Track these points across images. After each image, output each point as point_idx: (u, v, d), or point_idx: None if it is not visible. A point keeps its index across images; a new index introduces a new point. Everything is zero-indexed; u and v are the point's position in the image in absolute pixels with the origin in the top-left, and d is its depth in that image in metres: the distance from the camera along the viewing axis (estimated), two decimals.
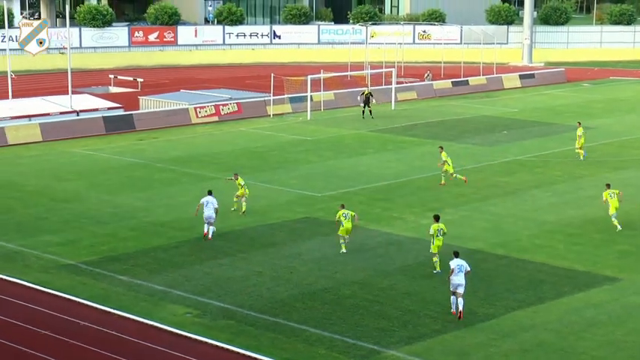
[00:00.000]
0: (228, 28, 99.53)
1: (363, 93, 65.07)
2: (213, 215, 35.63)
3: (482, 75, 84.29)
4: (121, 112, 62.11)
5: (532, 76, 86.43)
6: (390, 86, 72.23)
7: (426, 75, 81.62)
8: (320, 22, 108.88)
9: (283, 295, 30.19)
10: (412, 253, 34.73)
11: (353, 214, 34.64)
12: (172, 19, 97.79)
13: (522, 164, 50.58)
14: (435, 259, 32.41)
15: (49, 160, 50.92)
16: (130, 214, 39.61)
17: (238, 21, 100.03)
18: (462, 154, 51.39)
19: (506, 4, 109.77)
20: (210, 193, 36.51)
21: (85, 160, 50.95)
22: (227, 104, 65.34)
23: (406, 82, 79.98)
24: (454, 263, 28.79)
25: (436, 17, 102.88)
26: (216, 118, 63.95)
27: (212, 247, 34.87)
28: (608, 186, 38.74)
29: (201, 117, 63.46)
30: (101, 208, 40.58)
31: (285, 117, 65.64)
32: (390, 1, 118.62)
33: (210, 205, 35.62)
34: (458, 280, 28.50)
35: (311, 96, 66.46)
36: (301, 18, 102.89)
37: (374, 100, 64.87)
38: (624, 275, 32.28)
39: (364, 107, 64.33)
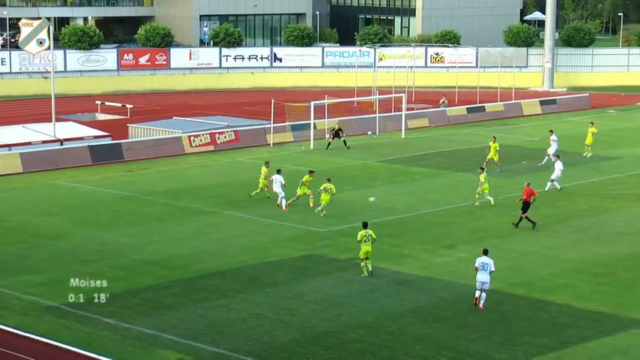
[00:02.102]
0: (225, 51, 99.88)
1: (333, 129, 65.05)
2: (281, 191, 46.34)
3: (500, 101, 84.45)
4: (108, 142, 62.28)
5: (554, 102, 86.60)
6: (400, 113, 72.39)
7: (441, 101, 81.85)
8: (324, 44, 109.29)
9: (283, 339, 30.13)
10: (424, 293, 34.68)
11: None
12: (165, 41, 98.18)
13: (543, 197, 50.51)
14: (363, 264, 35.86)
15: (31, 193, 50.99)
16: (117, 251, 39.61)
17: (236, 42, 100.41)
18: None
19: (526, 25, 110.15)
20: (278, 171, 47.08)
21: (70, 193, 51.02)
22: (223, 132, 65.48)
23: (417, 109, 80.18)
24: (478, 261, 32.85)
25: (450, 38, 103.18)
26: (211, 148, 64.08)
27: (207, 288, 34.85)
28: None
29: (196, 146, 63.60)
30: (87, 245, 40.60)
31: (287, 146, 65.73)
32: (400, 22, 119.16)
33: (278, 182, 46.41)
34: (482, 277, 32.62)
35: (314, 123, 66.61)
36: (304, 39, 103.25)
37: (344, 135, 64.75)
38: None
39: (332, 139, 64.24)
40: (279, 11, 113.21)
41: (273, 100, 67.58)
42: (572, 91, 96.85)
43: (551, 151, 58.39)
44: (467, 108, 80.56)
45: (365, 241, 36.12)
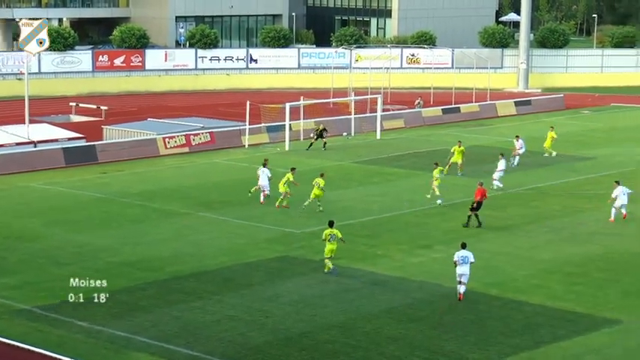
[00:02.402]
0: (200, 52, 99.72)
1: (317, 129, 65.23)
2: (267, 184, 47.69)
3: (475, 102, 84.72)
4: (82, 143, 62.05)
5: (528, 102, 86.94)
6: (375, 114, 72.50)
7: (416, 102, 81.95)
8: (300, 46, 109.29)
9: (258, 340, 30.12)
10: (399, 293, 34.75)
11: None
12: (140, 42, 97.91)
13: (517, 197, 50.77)
14: (327, 261, 36.32)
15: (4, 195, 50.76)
16: (93, 253, 39.47)
17: (212, 44, 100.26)
18: (452, 187, 51.50)
19: (501, 26, 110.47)
20: (265, 164, 48.65)
21: (44, 195, 50.83)
22: (199, 134, 65.38)
23: (393, 110, 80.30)
24: (458, 255, 33.84)
25: (426, 40, 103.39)
26: (186, 149, 63.97)
27: (182, 289, 34.80)
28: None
29: (171, 148, 63.48)
30: (62, 247, 40.43)
31: (262, 147, 65.70)
32: (377, 23, 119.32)
33: (265, 175, 47.64)
34: (461, 270, 33.65)
35: (290, 125, 66.60)
36: (280, 41, 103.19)
37: (327, 135, 64.99)
38: (627, 317, 32.38)
39: (315, 140, 64.40)
40: (255, 12, 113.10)
41: (248, 102, 67.50)
42: (546, 91, 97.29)
43: (521, 151, 58.73)
44: (442, 109, 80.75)
45: (330, 240, 36.45)
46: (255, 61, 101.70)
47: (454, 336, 30.58)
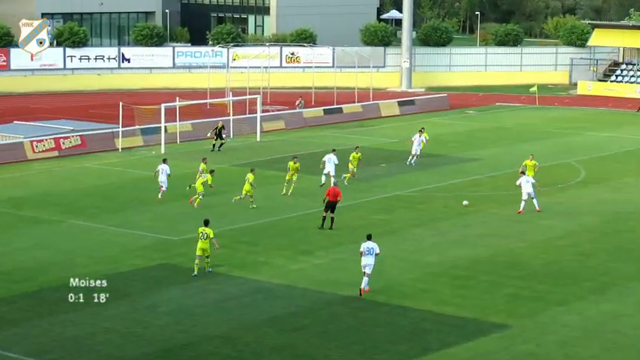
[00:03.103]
0: (69, 51, 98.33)
1: (216, 127, 65.34)
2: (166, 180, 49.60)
3: (358, 102, 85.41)
4: None
5: (412, 102, 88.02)
6: (254, 115, 72.53)
7: (297, 102, 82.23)
8: (175, 44, 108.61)
9: (135, 353, 29.90)
10: (281, 301, 34.86)
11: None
12: (4, 41, 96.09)
13: (403, 200, 51.38)
14: (197, 261, 37.10)
15: None
16: None
17: (81, 42, 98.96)
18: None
19: (383, 24, 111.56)
20: (164, 161, 50.28)
21: None
22: (69, 137, 64.55)
23: (273, 111, 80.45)
24: (364, 246, 35.22)
25: (306, 38, 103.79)
26: (56, 153, 63.10)
27: (54, 301, 34.31)
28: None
29: (39, 152, 62.52)
30: None
31: (136, 151, 65.19)
32: (254, 20, 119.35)
33: (164, 172, 49.56)
34: (366, 260, 35.08)
35: (165, 127, 66.22)
36: (153, 39, 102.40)
37: (224, 135, 65.14)
38: (513, 321, 33.07)
39: (216, 140, 64.58)
40: (127, 9, 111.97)
41: (121, 103, 66.89)
42: (430, 91, 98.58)
43: (416, 150, 59.53)
44: (324, 109, 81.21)
45: (201, 238, 37.12)
46: (128, 60, 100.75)
47: (339, 345, 30.81)
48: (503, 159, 62.57)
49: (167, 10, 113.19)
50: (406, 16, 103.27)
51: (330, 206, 44.54)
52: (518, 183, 48.50)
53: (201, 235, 37.41)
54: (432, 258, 40.56)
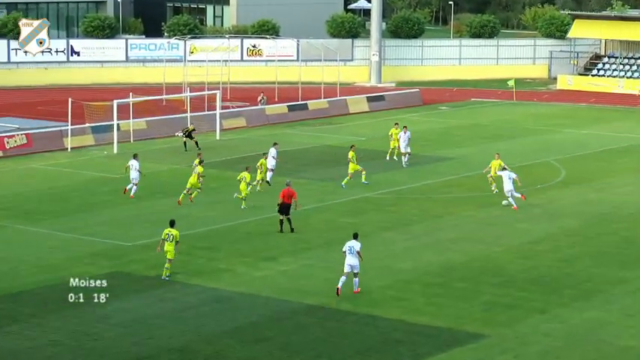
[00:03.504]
0: (14, 43, 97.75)
1: (187, 129, 65.31)
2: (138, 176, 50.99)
3: (324, 97, 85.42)
4: None
5: (382, 98, 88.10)
6: (214, 112, 72.37)
7: (260, 98, 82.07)
8: (128, 36, 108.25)
9: None
10: (243, 311, 34.75)
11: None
12: None
13: (373, 202, 51.38)
14: (168, 265, 37.51)
15: None
16: None
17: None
18: (302, 192, 51.72)
19: (350, 14, 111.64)
20: (135, 156, 51.49)
21: None
22: (13, 136, 64.21)
23: (233, 107, 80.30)
24: (346, 246, 36.35)
25: (268, 29, 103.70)
26: (0, 153, 62.74)
27: None
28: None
29: None
30: None
31: (87, 150, 64.90)
32: (213, 11, 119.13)
33: (134, 168, 50.77)
34: (349, 260, 36.10)
35: (118, 125, 65.95)
36: (105, 30, 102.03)
37: (195, 138, 65.10)
38: (491, 331, 33.10)
39: (185, 138, 64.44)
40: None
41: (70, 99, 66.60)
42: (401, 86, 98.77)
43: (405, 149, 59.87)
44: (288, 106, 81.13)
45: (166, 240, 37.39)
46: (77, 53, 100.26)
47: (305, 357, 30.75)
48: (479, 158, 62.57)
49: (119, 0, 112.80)
50: (375, 6, 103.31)
51: (284, 208, 44.52)
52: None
53: (166, 236, 37.50)
54: (404, 264, 40.55)
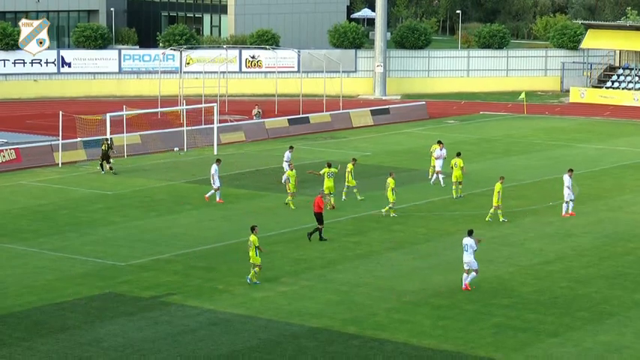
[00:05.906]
0: (2, 54, 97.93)
1: (102, 144, 63.10)
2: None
3: (326, 111, 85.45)
4: None
5: (386, 111, 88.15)
6: (211, 125, 72.39)
7: (254, 112, 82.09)
8: (121, 46, 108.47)
9: None
10: (242, 335, 34.71)
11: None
12: None
13: (377, 220, 51.34)
14: (256, 269, 39.21)
15: None
16: None
17: (15, 45, 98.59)
18: (303, 209, 51.80)
19: (354, 24, 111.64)
20: (217, 161, 54.98)
21: None
22: (2, 151, 64.24)
23: (231, 121, 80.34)
24: (463, 242, 39.45)
25: (267, 39, 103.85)
26: None
27: None
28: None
29: None
30: None
31: (79, 166, 64.91)
32: (210, 20, 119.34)
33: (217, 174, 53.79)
34: (465, 258, 39.13)
35: (111, 139, 65.92)
36: (97, 41, 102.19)
37: (113, 151, 63.82)
38: (501, 355, 33.06)
39: (102, 161, 62.52)
40: (67, 8, 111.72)
41: (61, 112, 66.58)
42: (406, 99, 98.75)
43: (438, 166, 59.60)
44: (288, 119, 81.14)
45: (249, 246, 40.12)
46: (68, 64, 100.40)
47: None
48: (488, 174, 62.60)
49: (112, 9, 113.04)
50: (379, 15, 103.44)
51: (318, 218, 46.64)
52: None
53: (249, 242, 39.95)
54: (410, 285, 40.51)
